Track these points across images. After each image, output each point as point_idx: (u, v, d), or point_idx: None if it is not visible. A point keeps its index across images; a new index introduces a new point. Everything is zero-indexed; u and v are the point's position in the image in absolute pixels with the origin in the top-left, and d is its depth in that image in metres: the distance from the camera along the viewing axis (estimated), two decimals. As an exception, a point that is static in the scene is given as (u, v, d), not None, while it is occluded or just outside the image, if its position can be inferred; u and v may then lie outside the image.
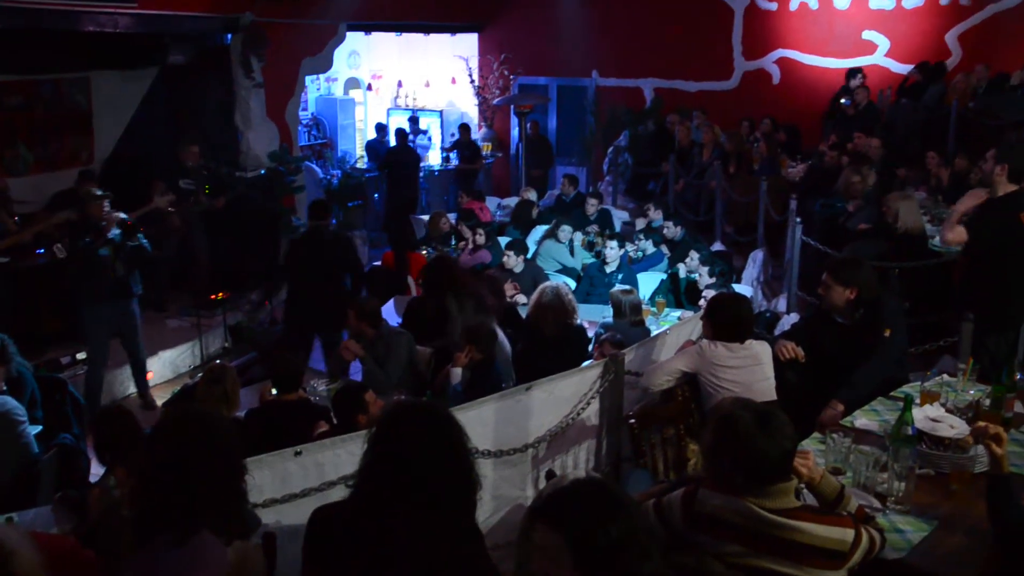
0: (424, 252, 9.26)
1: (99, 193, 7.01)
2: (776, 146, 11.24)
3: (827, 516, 2.83)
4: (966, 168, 8.71)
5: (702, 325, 4.87)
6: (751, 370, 4.53)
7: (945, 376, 4.80)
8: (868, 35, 11.61)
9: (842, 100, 11.07)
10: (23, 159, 9.72)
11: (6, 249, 7.65)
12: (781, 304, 8.45)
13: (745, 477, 2.74)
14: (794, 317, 7.83)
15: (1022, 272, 5.56)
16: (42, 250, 7.80)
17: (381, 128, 13.99)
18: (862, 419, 4.29)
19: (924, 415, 3.93)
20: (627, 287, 7.21)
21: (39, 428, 5.37)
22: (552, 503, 2.23)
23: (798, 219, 8.34)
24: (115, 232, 6.96)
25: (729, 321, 4.61)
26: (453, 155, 13.84)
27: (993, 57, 10.38)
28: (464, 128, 13.81)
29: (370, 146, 13.88)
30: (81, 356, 7.74)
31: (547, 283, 6.80)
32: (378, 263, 9.34)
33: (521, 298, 7.58)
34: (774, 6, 12.28)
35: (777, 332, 7.06)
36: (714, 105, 12.33)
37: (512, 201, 11.76)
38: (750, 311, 4.85)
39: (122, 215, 7.07)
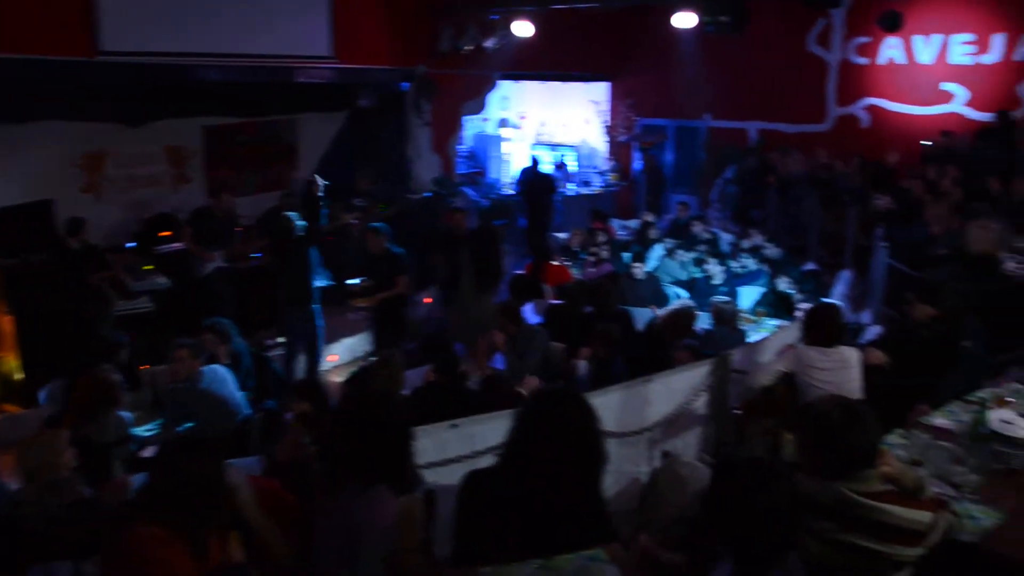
0: (559, 263, 9.28)
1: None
2: (864, 180, 10.78)
3: (909, 500, 2.73)
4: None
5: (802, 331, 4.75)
6: (841, 372, 4.37)
7: (1016, 384, 4.54)
8: (947, 86, 11.05)
9: (922, 141, 10.71)
10: (248, 183, 10.29)
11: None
12: (865, 317, 8.09)
13: (837, 464, 2.66)
14: (877, 328, 7.50)
15: None
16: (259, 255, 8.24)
17: (536, 161, 13.85)
18: (940, 418, 4.10)
19: (998, 417, 3.75)
20: (727, 299, 7.08)
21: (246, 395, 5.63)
22: None
23: (884, 244, 7.99)
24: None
25: (823, 328, 4.47)
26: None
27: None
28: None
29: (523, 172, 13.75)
30: (281, 340, 8.09)
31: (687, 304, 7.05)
32: (520, 271, 9.39)
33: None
34: (865, 60, 11.82)
35: (861, 341, 6.77)
36: (810, 144, 11.92)
37: (633, 223, 11.68)
38: (841, 320, 4.68)
39: None
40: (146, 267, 8.09)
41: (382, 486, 2.69)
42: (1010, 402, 4.11)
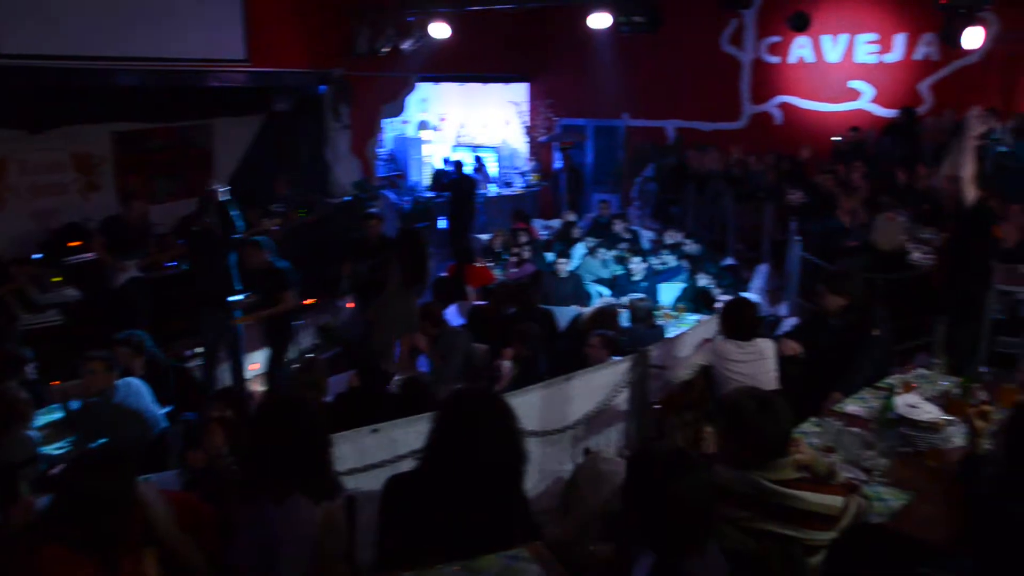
0: (481, 265, 9.29)
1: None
2: (778, 176, 11.08)
3: (821, 486, 2.82)
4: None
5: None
6: (757, 364, 4.48)
7: (921, 370, 4.73)
8: (854, 84, 11.48)
9: (832, 138, 11.06)
10: (160, 190, 9.97)
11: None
12: (782, 309, 8.32)
13: (751, 454, 2.72)
14: (794, 320, 7.72)
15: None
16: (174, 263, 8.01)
17: (453, 163, 13.76)
18: (851, 405, 4.24)
19: (904, 402, 3.89)
20: (641, 296, 7.21)
21: (168, 408, 5.46)
22: None
23: (798, 237, 8.22)
24: None
25: (738, 322, 4.58)
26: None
27: (958, 103, 10.15)
28: None
29: (437, 174, 13.76)
30: (199, 350, 7.88)
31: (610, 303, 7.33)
32: (443, 274, 9.36)
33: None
34: (776, 60, 12.18)
35: (778, 333, 6.96)
36: (725, 142, 12.23)
37: (555, 223, 11.75)
38: (757, 313, 4.80)
39: None
40: (55, 279, 7.78)
41: (300, 495, 2.65)
42: (915, 386, 4.29)
